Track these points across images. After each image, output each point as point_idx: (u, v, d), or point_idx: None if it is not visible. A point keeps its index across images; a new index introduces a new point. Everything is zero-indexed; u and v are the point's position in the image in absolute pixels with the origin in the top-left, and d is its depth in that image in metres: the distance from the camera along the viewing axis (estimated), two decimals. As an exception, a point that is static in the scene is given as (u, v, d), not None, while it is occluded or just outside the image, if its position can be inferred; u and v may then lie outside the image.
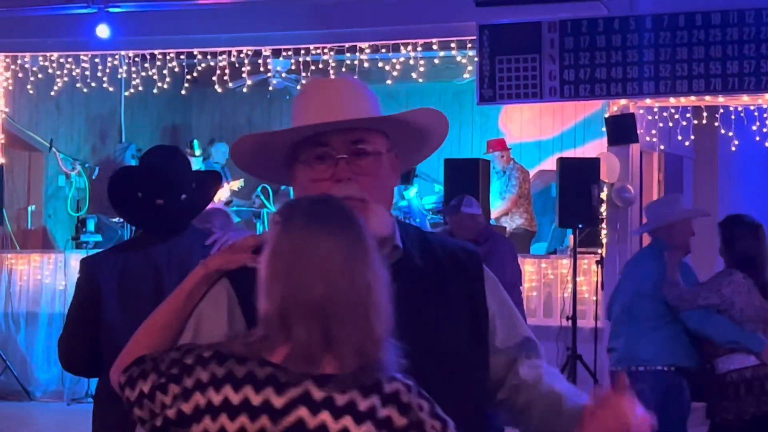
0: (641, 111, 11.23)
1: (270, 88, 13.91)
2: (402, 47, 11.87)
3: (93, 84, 13.00)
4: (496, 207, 12.09)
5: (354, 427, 2.12)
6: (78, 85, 13.00)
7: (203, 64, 12.72)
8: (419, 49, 11.88)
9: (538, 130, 14.11)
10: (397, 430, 2.14)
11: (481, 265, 2.70)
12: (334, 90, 2.61)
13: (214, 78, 12.71)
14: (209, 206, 4.52)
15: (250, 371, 2.18)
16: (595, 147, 12.42)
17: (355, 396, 2.15)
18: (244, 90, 13.39)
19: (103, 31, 11.51)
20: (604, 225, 11.00)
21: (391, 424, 2.14)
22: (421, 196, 13.09)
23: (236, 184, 13.64)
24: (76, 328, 4.16)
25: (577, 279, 10.60)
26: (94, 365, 4.16)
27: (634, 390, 2.39)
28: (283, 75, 13.45)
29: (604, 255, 10.89)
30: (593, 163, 10.72)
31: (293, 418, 2.14)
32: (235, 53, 12.34)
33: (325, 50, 12.21)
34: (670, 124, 11.37)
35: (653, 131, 11.40)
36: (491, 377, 2.63)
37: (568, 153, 13.57)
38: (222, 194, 13.24)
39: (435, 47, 11.87)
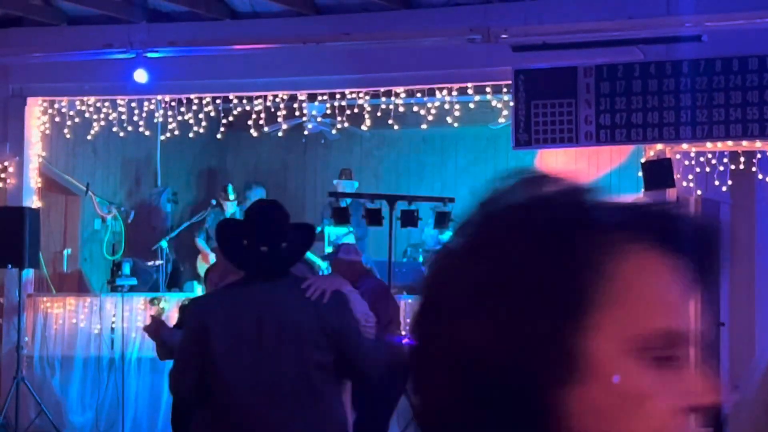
0: (678, 156, 11.18)
1: (305, 132, 13.95)
2: (437, 92, 11.88)
3: (129, 128, 13.07)
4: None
5: None
6: (114, 129, 13.07)
7: (239, 109, 12.77)
8: (454, 93, 11.88)
9: (573, 174, 14.07)
10: None
11: None
12: None
13: (250, 122, 12.75)
14: None
15: None
16: (630, 188, 12.37)
17: None
18: (280, 134, 13.42)
19: (141, 76, 11.58)
20: (640, 270, 10.92)
21: None
22: (456, 241, 13.05)
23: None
24: (184, 363, 4.60)
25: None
26: (202, 394, 4.55)
27: None
28: (319, 119, 13.48)
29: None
30: (629, 208, 10.66)
31: None
32: (270, 97, 12.38)
33: (361, 94, 12.23)
34: (707, 169, 11.30)
35: (690, 176, 11.34)
36: None
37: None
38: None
39: (470, 92, 11.87)
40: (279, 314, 4.47)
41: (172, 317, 9.33)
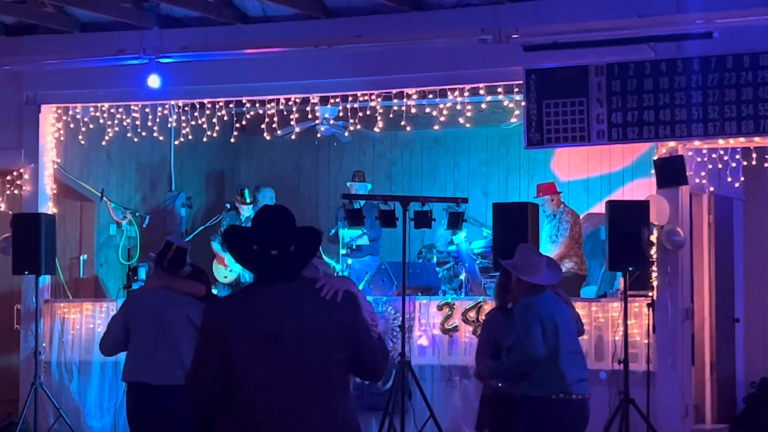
0: (690, 153, 11.19)
1: (318, 135, 13.98)
2: (449, 93, 11.90)
3: (143, 133, 13.12)
4: (549, 251, 12.02)
5: None
6: (128, 134, 13.12)
7: (252, 112, 12.81)
8: (466, 94, 11.90)
9: (586, 172, 14.09)
10: None
11: None
12: None
13: (263, 126, 12.79)
14: None
15: None
16: (643, 185, 12.39)
17: None
18: (292, 137, 13.46)
19: (154, 81, 11.62)
20: (654, 268, 10.94)
21: None
22: (470, 241, 13.08)
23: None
24: (205, 367, 4.62)
25: (628, 322, 10.54)
26: (223, 398, 4.61)
27: None
28: (331, 122, 13.51)
29: (654, 298, 10.83)
30: (643, 206, 10.69)
31: None
32: (283, 101, 12.42)
33: (373, 97, 12.26)
34: (720, 166, 11.31)
35: (702, 173, 11.35)
36: None
37: (617, 192, 13.52)
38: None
39: (482, 92, 11.88)
40: (297, 314, 4.55)
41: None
